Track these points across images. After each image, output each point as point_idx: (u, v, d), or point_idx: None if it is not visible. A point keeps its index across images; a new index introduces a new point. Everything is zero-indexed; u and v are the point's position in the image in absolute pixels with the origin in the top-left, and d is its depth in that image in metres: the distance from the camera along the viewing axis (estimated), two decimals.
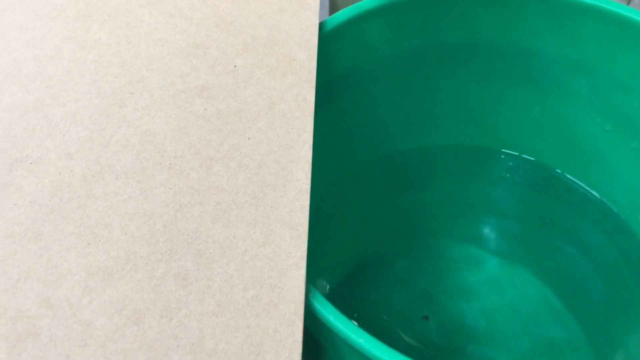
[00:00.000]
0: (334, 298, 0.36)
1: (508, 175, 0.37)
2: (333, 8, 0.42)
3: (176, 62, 0.26)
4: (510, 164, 0.37)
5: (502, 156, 0.37)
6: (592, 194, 0.35)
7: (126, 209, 0.22)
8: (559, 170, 0.36)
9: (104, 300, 0.20)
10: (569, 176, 0.36)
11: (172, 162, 0.23)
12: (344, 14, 0.30)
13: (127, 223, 0.22)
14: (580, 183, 0.35)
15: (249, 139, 0.24)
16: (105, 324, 0.19)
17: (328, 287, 0.36)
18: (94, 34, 0.27)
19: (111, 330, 0.19)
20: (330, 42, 0.30)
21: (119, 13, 0.28)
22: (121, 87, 0.25)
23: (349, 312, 0.36)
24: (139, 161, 0.23)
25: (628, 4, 0.44)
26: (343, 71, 0.32)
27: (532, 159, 0.36)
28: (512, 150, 0.37)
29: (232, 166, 0.23)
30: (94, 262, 0.21)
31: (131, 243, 0.21)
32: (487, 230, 0.39)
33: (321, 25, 0.29)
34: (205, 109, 0.25)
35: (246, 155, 0.24)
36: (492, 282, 0.38)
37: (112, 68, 0.26)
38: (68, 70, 0.26)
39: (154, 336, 0.19)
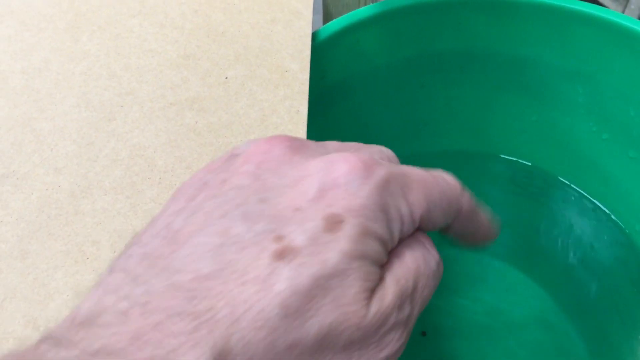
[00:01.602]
0: None
1: (505, 183, 0.37)
2: (327, 16, 0.41)
3: (167, 74, 0.26)
4: (507, 172, 0.37)
5: (499, 165, 0.37)
6: (590, 203, 0.35)
7: (115, 225, 0.21)
8: (556, 179, 0.36)
9: None
10: (566, 185, 0.35)
11: (162, 177, 0.23)
12: (337, 23, 0.30)
13: (115, 240, 0.21)
14: (577, 192, 0.35)
15: None
16: None
17: None
18: (83, 45, 0.27)
19: None
20: (324, 51, 0.29)
21: (109, 24, 0.28)
22: (110, 100, 0.25)
23: None
24: (128, 176, 0.23)
25: (623, 11, 0.44)
26: (337, 81, 0.31)
27: (530, 167, 0.36)
28: (509, 159, 0.36)
29: None
30: (81, 280, 0.20)
31: None
32: None
33: (315, 35, 0.29)
34: (196, 122, 0.25)
35: None
36: (490, 292, 0.38)
37: (101, 80, 0.26)
38: (56, 82, 0.26)
39: None
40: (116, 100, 0.25)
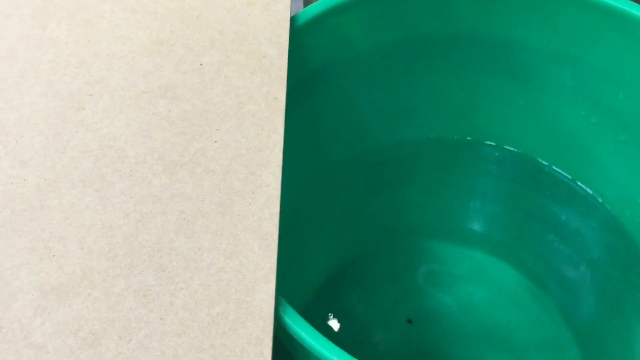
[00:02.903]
0: (315, 303, 0.35)
1: (492, 170, 0.36)
2: (307, 1, 0.40)
3: (138, 61, 0.25)
4: (495, 158, 0.36)
5: (486, 151, 0.36)
6: (579, 189, 0.34)
7: (83, 220, 0.20)
8: (544, 164, 0.35)
9: (57, 321, 0.18)
10: (555, 170, 0.35)
11: (133, 169, 0.22)
12: (317, 6, 0.29)
13: (83, 236, 0.20)
14: (566, 177, 0.34)
15: (215, 142, 0.23)
16: (58, 347, 0.18)
17: (308, 290, 0.35)
18: (51, 32, 0.26)
19: (65, 354, 0.18)
20: (303, 36, 0.28)
21: (78, 9, 0.27)
22: (79, 89, 0.24)
23: (330, 317, 0.35)
24: (98, 168, 0.22)
25: None
26: (318, 67, 0.30)
27: (517, 153, 0.35)
28: (496, 145, 0.36)
29: (197, 172, 0.22)
30: (47, 279, 0.19)
31: (88, 258, 0.20)
32: (471, 227, 0.38)
33: (293, 19, 0.28)
34: (169, 111, 0.23)
35: (213, 160, 0.22)
36: (478, 281, 0.37)
37: (69, 68, 0.25)
38: (22, 71, 0.24)
39: (112, 359, 0.18)
40: (85, 89, 0.24)
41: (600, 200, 0.33)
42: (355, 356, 0.18)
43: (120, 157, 0.22)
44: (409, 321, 0.35)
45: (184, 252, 0.20)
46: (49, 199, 0.21)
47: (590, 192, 0.34)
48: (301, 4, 0.40)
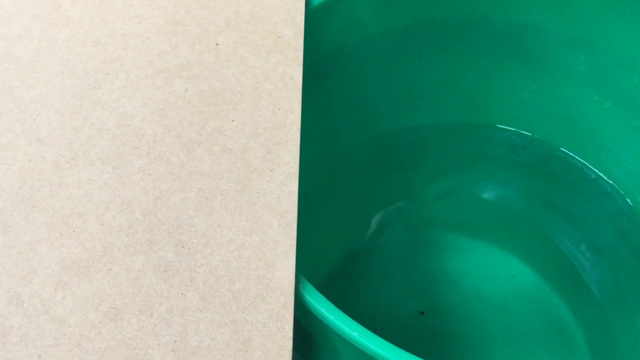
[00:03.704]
0: (324, 289, 0.35)
1: (504, 155, 0.36)
2: None
3: (154, 40, 0.25)
4: (507, 144, 0.36)
5: (498, 137, 0.36)
6: (591, 174, 0.34)
7: (102, 197, 0.20)
8: (557, 150, 0.35)
9: (78, 295, 0.18)
10: (567, 155, 0.35)
11: (150, 147, 0.22)
12: None
13: (103, 212, 0.20)
14: (578, 162, 0.34)
15: (232, 120, 0.23)
16: (80, 321, 0.18)
17: (318, 277, 0.35)
18: (66, 11, 0.26)
19: (86, 328, 0.18)
20: (317, 18, 0.28)
21: None
22: (95, 68, 0.24)
23: (340, 303, 0.35)
24: (115, 146, 0.22)
25: None
26: (331, 50, 0.30)
27: (530, 138, 0.35)
28: (509, 130, 0.35)
29: (215, 150, 0.22)
30: (67, 254, 0.19)
31: (108, 233, 0.20)
32: (482, 213, 0.38)
33: (308, 1, 0.28)
34: (186, 90, 0.23)
35: (230, 138, 0.22)
36: (488, 268, 0.37)
37: (85, 47, 0.24)
38: (38, 50, 0.24)
39: (133, 333, 0.18)
40: (101, 68, 0.24)
41: (613, 185, 0.33)
42: None
43: (137, 135, 0.22)
44: (422, 313, 0.35)
45: (203, 228, 0.20)
46: (67, 175, 0.21)
47: (603, 177, 0.34)
48: None
